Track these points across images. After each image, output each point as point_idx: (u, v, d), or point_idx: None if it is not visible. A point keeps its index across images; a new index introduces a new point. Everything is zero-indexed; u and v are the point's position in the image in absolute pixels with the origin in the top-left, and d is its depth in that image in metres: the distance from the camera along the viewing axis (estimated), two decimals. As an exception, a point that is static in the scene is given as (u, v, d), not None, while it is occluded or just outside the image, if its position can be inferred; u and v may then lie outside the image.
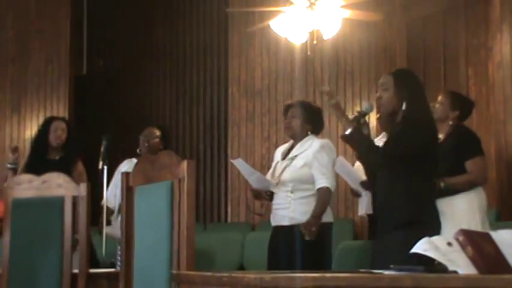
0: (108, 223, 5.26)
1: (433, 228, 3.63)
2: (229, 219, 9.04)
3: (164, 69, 9.91)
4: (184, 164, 2.93)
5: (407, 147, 3.71)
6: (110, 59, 10.28)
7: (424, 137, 3.79)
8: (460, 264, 2.33)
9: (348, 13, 7.12)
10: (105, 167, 5.07)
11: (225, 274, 2.32)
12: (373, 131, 6.22)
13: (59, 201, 3.86)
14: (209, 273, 2.45)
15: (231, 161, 5.04)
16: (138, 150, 5.62)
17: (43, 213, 3.88)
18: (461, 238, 2.40)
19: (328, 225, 4.74)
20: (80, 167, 5.61)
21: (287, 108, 4.97)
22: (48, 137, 5.59)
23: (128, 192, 3.25)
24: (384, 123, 4.96)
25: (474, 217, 4.51)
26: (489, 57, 6.66)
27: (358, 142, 3.82)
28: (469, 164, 4.55)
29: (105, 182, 5.09)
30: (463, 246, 2.38)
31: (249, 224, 8.60)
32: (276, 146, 5.97)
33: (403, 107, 3.78)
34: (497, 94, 6.53)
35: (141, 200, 3.18)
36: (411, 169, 3.70)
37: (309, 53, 7.37)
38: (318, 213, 4.64)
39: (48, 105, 9.20)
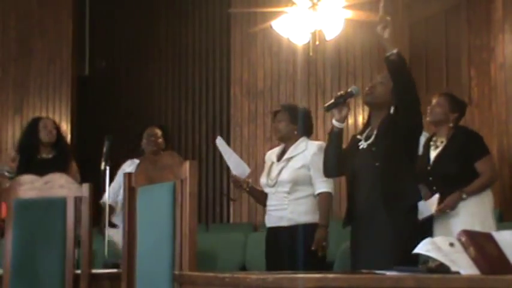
0: (110, 224, 5.22)
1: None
2: (231, 220, 9.05)
3: (166, 69, 9.91)
4: (187, 165, 2.93)
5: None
6: (112, 60, 10.28)
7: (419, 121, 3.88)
8: (463, 264, 2.33)
9: (350, 14, 7.12)
10: (108, 168, 5.06)
11: (227, 275, 2.32)
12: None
13: (61, 201, 3.86)
14: (211, 274, 2.45)
15: (217, 142, 4.98)
16: (142, 150, 5.61)
17: (45, 213, 3.87)
18: (463, 239, 2.40)
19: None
20: (74, 166, 5.63)
21: (274, 114, 5.01)
22: (39, 135, 5.59)
23: (130, 192, 3.25)
24: None
25: (487, 217, 4.52)
26: (491, 57, 6.65)
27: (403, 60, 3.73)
28: (479, 165, 4.56)
29: (108, 182, 5.09)
30: (465, 247, 2.38)
31: (251, 225, 8.60)
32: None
33: (391, 111, 3.80)
34: (499, 95, 6.53)
35: (143, 201, 3.18)
36: (408, 153, 3.79)
37: (311, 53, 7.36)
38: (325, 222, 4.65)
39: (51, 105, 9.20)
